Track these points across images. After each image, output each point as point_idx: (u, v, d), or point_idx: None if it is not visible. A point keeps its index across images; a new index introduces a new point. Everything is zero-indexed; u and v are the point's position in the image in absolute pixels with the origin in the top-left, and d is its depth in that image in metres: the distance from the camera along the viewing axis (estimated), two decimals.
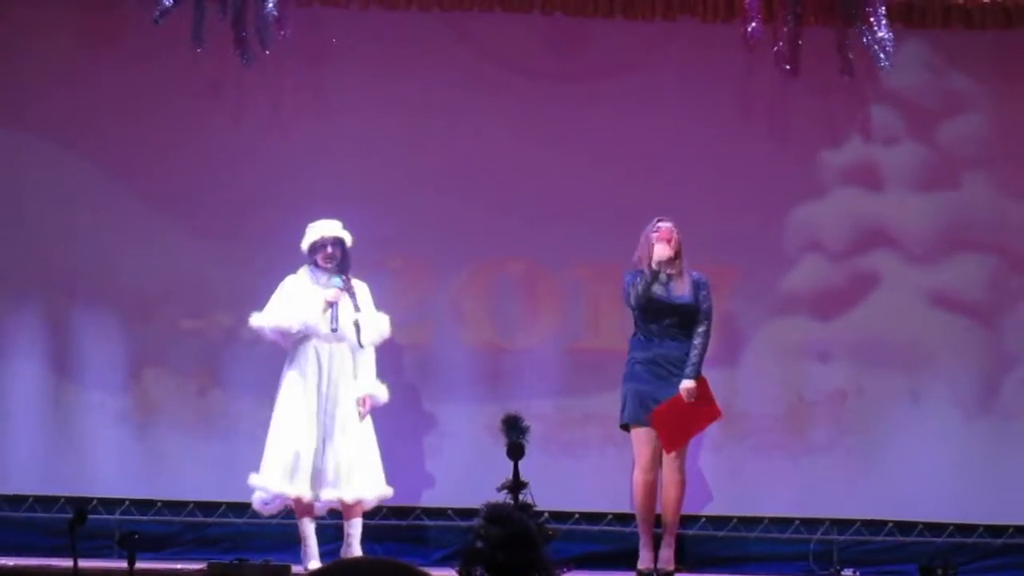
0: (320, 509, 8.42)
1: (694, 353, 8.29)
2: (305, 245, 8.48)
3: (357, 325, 8.42)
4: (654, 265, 8.30)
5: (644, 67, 9.45)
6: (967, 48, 9.44)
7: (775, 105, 9.39)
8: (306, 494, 8.28)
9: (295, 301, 8.39)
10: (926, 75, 9.48)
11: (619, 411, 8.42)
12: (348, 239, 8.51)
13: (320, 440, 8.32)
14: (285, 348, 8.46)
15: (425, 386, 9.30)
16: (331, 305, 8.37)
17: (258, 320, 8.44)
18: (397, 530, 9.19)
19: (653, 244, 8.35)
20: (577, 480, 9.18)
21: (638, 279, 8.34)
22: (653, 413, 8.24)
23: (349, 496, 8.32)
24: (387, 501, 8.62)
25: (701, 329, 8.34)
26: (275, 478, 8.27)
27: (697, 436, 8.64)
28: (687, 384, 8.25)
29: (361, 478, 8.35)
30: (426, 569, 8.26)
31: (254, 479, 8.32)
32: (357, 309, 8.44)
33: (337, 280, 8.40)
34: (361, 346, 8.44)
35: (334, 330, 8.33)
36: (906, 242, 9.41)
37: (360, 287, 8.55)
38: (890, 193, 9.45)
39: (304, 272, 8.51)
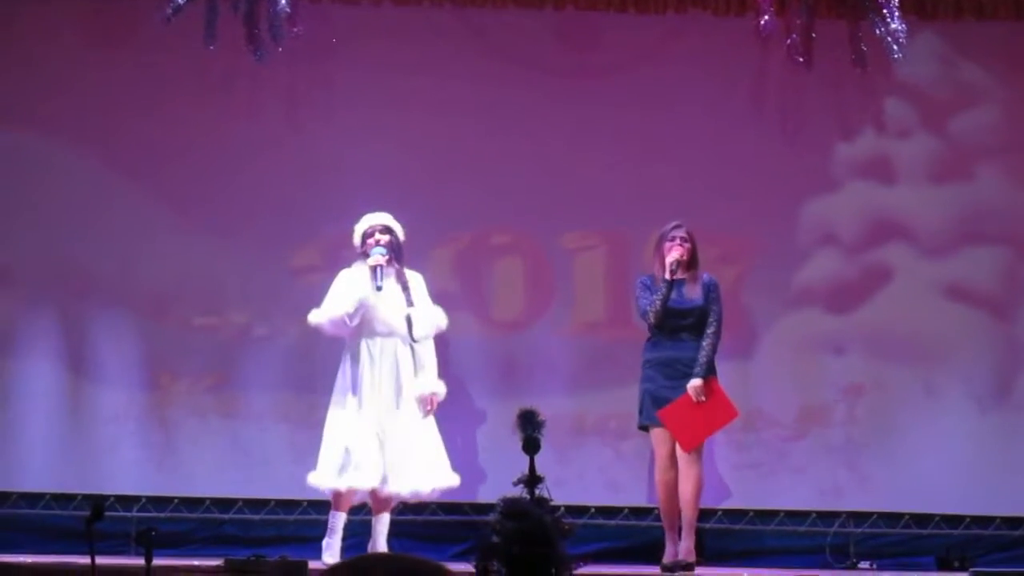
0: (362, 500, 8.37)
1: (702, 353, 8.29)
2: (358, 236, 8.41)
3: (409, 320, 8.32)
4: (668, 274, 8.28)
5: (656, 61, 9.45)
6: (979, 39, 9.44)
7: (788, 98, 9.39)
8: (365, 487, 8.24)
9: (348, 291, 8.34)
10: (939, 67, 9.47)
11: (637, 412, 8.43)
12: (399, 231, 8.45)
13: (375, 434, 8.26)
14: (344, 335, 8.36)
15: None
16: (374, 269, 8.29)
17: (316, 317, 8.37)
18: (413, 525, 9.18)
19: (665, 255, 8.33)
20: (593, 474, 9.19)
21: (651, 288, 8.31)
22: (659, 414, 8.24)
23: (406, 490, 8.29)
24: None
25: (710, 331, 8.34)
26: (331, 475, 8.21)
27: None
28: (695, 383, 8.25)
29: (408, 472, 8.30)
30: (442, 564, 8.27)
31: (313, 478, 8.26)
32: (410, 303, 8.35)
33: (379, 249, 8.32)
34: (415, 340, 8.36)
35: (379, 288, 8.22)
36: (920, 235, 9.40)
37: (414, 278, 8.45)
38: (903, 186, 9.44)
39: (358, 266, 8.42)
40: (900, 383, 9.31)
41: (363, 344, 8.32)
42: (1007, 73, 9.46)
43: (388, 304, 8.31)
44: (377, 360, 8.31)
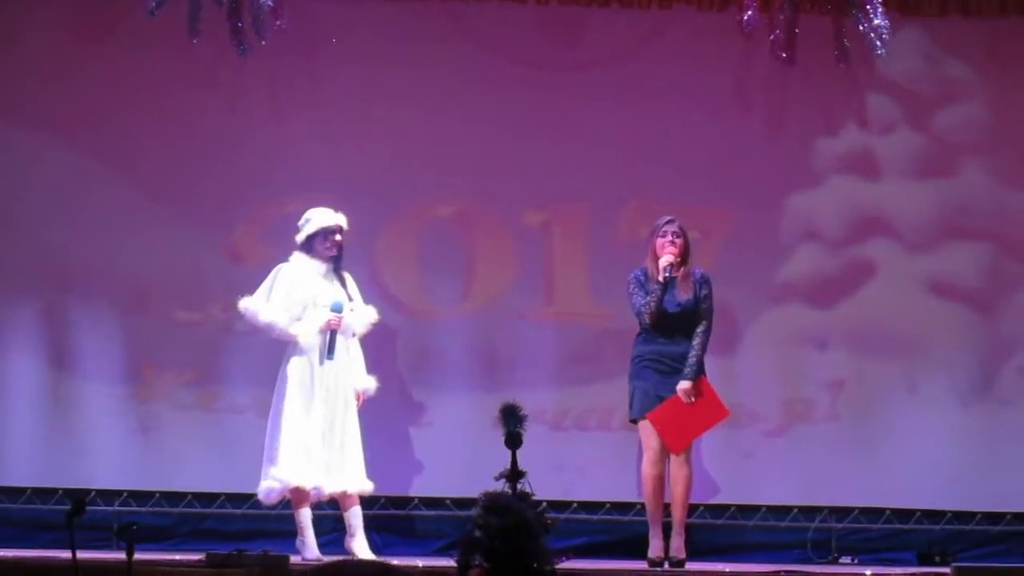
0: (316, 498, 8.37)
1: (692, 354, 8.26)
2: (311, 230, 8.37)
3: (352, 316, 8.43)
4: (661, 277, 8.28)
5: (640, 56, 9.46)
6: (963, 35, 9.46)
7: (771, 93, 9.40)
8: (317, 484, 8.23)
9: (294, 293, 8.33)
10: (922, 63, 9.49)
11: (627, 406, 8.42)
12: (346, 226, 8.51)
13: (323, 431, 8.29)
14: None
15: (420, 373, 9.29)
16: (329, 330, 8.29)
17: (251, 305, 8.35)
18: (394, 520, 9.20)
19: (658, 253, 8.32)
20: (575, 469, 9.19)
21: (644, 285, 8.31)
22: (649, 416, 8.23)
23: (354, 486, 8.30)
24: (385, 491, 8.62)
25: (700, 329, 8.31)
26: (292, 470, 8.21)
27: None
28: (684, 385, 8.24)
29: (359, 469, 8.34)
30: (424, 559, 8.27)
31: (274, 471, 8.25)
32: (350, 299, 8.43)
33: (339, 304, 8.30)
34: (354, 336, 8.44)
35: (330, 358, 8.25)
36: (903, 230, 9.42)
37: (348, 277, 8.51)
38: (887, 181, 9.46)
39: (300, 260, 8.42)
40: (882, 378, 9.33)
41: (314, 339, 8.31)
42: (991, 69, 9.47)
43: (335, 339, 8.31)
44: (334, 356, 8.30)
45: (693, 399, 8.25)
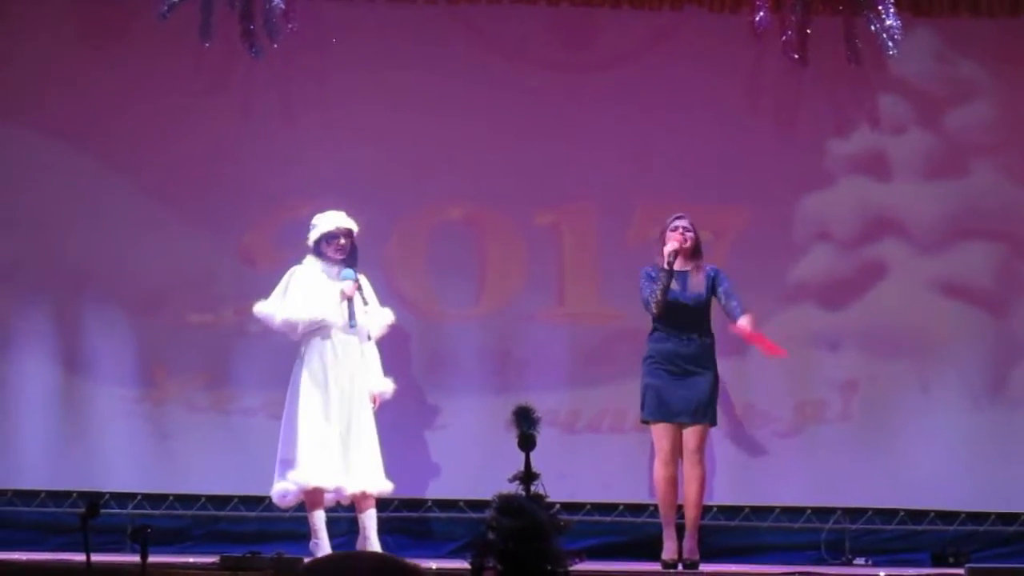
0: (331, 501, 8.38)
1: (736, 301, 8.36)
2: (315, 236, 8.42)
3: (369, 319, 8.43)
4: (666, 263, 8.30)
5: (651, 57, 9.46)
6: (974, 35, 9.45)
7: (783, 94, 9.39)
8: (337, 485, 8.24)
9: (309, 294, 8.35)
10: (934, 63, 9.48)
11: (639, 407, 8.43)
12: (356, 228, 8.51)
13: (340, 432, 8.29)
14: (293, 339, 8.43)
15: (433, 376, 9.29)
16: (347, 299, 8.34)
17: (266, 308, 8.39)
18: (408, 522, 9.20)
19: (667, 241, 8.36)
20: (588, 471, 9.19)
21: (655, 279, 8.33)
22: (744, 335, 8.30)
23: (373, 487, 8.31)
24: (398, 493, 8.62)
25: (732, 294, 8.40)
26: (311, 471, 8.21)
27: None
28: (742, 322, 8.29)
29: (377, 470, 8.35)
30: (438, 561, 8.27)
31: (292, 474, 8.27)
32: (365, 303, 8.44)
33: (350, 272, 8.35)
34: (369, 339, 8.45)
35: (352, 326, 8.30)
36: (915, 231, 9.41)
37: (363, 279, 8.51)
38: (898, 182, 9.45)
39: (313, 264, 8.45)
40: (895, 379, 9.32)
41: (328, 341, 8.32)
42: (1002, 69, 9.46)
43: (354, 305, 8.33)
44: (341, 357, 8.32)
45: (751, 328, 8.31)
